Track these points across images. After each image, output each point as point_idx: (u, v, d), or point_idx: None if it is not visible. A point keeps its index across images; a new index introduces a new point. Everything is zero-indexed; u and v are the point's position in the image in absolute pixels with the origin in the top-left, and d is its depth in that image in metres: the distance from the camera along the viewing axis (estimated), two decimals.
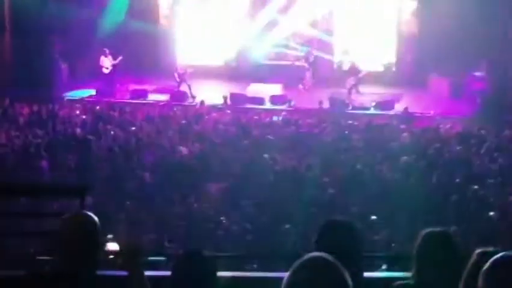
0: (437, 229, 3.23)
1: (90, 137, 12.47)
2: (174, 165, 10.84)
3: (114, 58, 20.10)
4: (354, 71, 19.17)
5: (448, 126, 14.96)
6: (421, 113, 17.58)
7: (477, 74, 18.83)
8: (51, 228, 3.59)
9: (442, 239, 3.21)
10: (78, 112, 15.74)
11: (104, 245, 3.50)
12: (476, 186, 9.67)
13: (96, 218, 3.23)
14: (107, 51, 20.16)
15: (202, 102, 17.47)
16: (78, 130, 13.26)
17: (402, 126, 14.62)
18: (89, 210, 3.40)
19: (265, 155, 11.38)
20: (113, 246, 4.13)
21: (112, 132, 13.16)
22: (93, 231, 3.22)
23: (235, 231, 8.48)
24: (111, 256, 4.05)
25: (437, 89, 19.76)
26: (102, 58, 20.16)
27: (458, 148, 12.46)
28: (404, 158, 11.27)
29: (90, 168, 10.52)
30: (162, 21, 22.32)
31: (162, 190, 9.89)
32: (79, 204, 3.55)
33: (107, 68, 20.18)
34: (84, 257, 3.20)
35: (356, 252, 3.08)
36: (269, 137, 13.17)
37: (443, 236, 3.23)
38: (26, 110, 15.57)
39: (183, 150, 11.11)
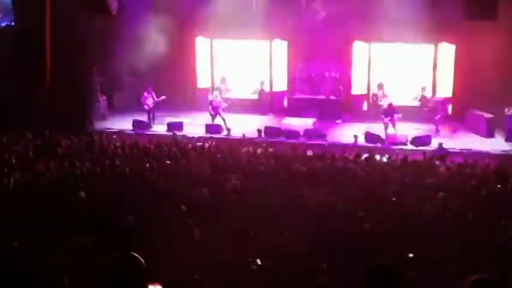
0: (484, 277, 3.21)
1: (127, 169, 12.58)
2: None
3: (158, 96, 20.33)
4: (391, 110, 18.96)
5: (486, 163, 14.72)
6: (459, 149, 17.40)
7: None
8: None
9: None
10: (116, 144, 15.91)
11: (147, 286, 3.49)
12: None
13: (141, 259, 3.22)
14: (150, 89, 20.42)
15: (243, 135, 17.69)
16: (116, 162, 13.38)
17: (438, 163, 14.45)
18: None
19: (304, 190, 11.29)
20: None
21: (147, 165, 13.25)
22: (138, 272, 3.21)
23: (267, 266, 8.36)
24: None
25: (476, 125, 19.56)
26: (145, 95, 20.40)
27: (497, 186, 12.23)
28: (441, 194, 11.11)
29: (127, 201, 10.54)
30: (198, 55, 22.63)
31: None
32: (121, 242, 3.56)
33: (148, 105, 20.41)
34: None
35: None
36: (304, 170, 13.12)
37: (491, 285, 3.21)
38: (65, 141, 15.78)
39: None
